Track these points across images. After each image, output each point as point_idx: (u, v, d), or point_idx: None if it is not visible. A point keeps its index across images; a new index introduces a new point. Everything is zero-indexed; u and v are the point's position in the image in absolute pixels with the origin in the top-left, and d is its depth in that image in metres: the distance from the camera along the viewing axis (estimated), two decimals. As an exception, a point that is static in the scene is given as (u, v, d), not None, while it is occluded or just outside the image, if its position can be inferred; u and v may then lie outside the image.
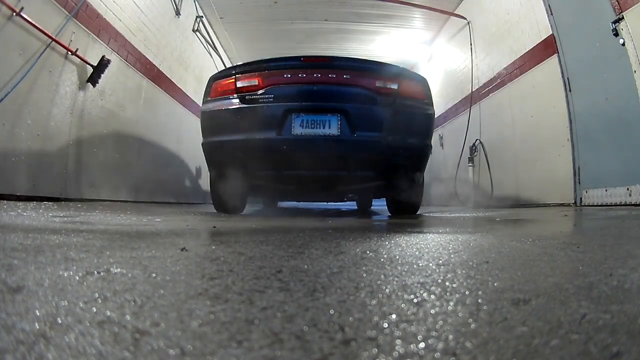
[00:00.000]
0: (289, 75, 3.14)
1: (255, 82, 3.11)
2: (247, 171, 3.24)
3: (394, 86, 3.14)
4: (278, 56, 3.39)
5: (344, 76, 3.14)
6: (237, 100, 3.09)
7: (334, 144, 3.00)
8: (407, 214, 3.63)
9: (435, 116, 3.68)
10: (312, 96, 3.06)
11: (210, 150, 3.29)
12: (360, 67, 3.27)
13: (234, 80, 3.16)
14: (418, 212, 3.74)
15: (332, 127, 2.98)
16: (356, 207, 6.65)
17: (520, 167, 4.86)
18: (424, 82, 3.35)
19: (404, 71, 3.36)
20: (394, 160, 3.22)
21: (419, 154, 3.37)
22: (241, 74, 3.16)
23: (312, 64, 3.17)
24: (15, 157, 2.95)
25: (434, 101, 3.45)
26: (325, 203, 7.87)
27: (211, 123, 3.22)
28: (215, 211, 3.47)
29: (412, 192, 3.59)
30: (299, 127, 2.97)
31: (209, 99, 3.25)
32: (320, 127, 2.98)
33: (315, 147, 3.02)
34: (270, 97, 3.05)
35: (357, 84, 3.13)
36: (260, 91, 3.08)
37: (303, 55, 3.22)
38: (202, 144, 3.30)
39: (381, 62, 3.54)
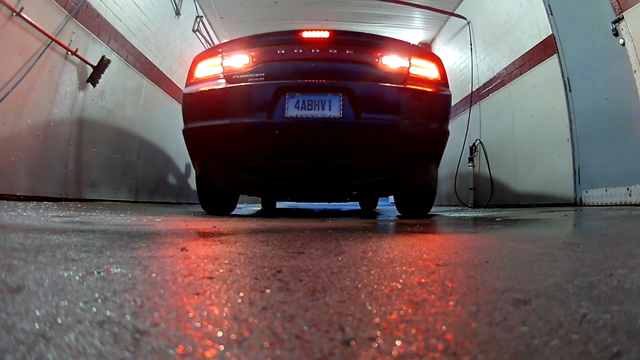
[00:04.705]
0: (283, 52, 2.78)
1: (244, 59, 2.76)
2: (235, 163, 2.84)
3: (405, 64, 2.78)
4: (271, 31, 3.02)
5: (347, 52, 2.78)
6: (224, 81, 2.75)
7: (334, 128, 2.61)
8: (418, 214, 3.31)
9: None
10: (309, 73, 2.71)
11: (192, 138, 2.91)
12: (365, 42, 2.90)
13: (220, 58, 2.81)
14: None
15: (332, 109, 2.59)
16: (359, 208, 6.47)
17: (520, 167, 4.86)
18: (438, 61, 2.96)
19: (415, 48, 2.97)
20: (406, 147, 2.79)
21: (436, 141, 2.92)
22: (229, 51, 2.81)
23: (310, 39, 2.80)
24: (15, 157, 2.95)
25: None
26: (327, 203, 7.80)
27: (193, 106, 2.87)
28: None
29: (427, 188, 3.19)
30: (293, 109, 2.59)
31: (193, 80, 2.90)
32: (318, 109, 2.59)
33: (312, 132, 2.63)
34: (261, 76, 2.70)
35: (362, 60, 2.78)
36: (250, 69, 2.73)
37: (299, 29, 2.83)
38: (182, 131, 2.95)
39: (389, 37, 3.16)
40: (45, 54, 3.16)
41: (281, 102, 2.58)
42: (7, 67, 2.84)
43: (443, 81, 2.90)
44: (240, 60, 2.76)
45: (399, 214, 3.73)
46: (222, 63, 2.78)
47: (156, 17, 5.10)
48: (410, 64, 2.79)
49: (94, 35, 3.81)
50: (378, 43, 2.88)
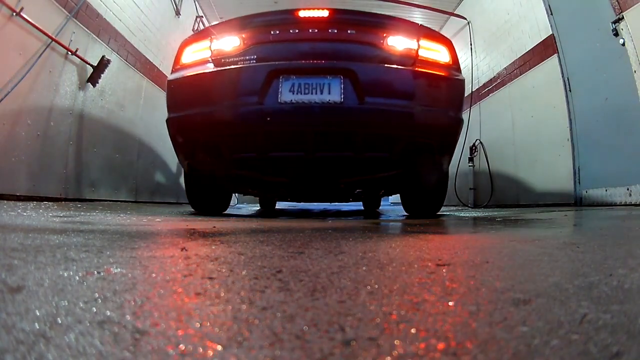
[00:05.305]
0: (277, 32, 2.55)
1: (234, 42, 2.54)
2: (223, 155, 2.58)
3: (413, 45, 2.55)
4: (263, 11, 2.78)
5: (349, 32, 2.54)
6: (212, 65, 2.53)
7: (334, 114, 2.36)
8: (426, 214, 3.12)
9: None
10: (306, 54, 2.49)
11: (176, 128, 2.69)
12: (368, 21, 2.64)
13: (209, 41, 2.60)
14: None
15: (332, 92, 2.33)
16: (362, 208, 6.37)
17: (520, 167, 4.87)
18: (449, 44, 2.73)
19: (424, 29, 2.72)
20: (417, 137, 2.53)
21: (449, 130, 2.67)
22: (218, 34, 2.59)
23: (308, 18, 2.55)
24: (15, 157, 2.95)
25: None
26: (328, 203, 7.74)
27: (177, 93, 2.66)
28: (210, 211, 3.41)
29: (438, 185, 2.96)
30: (288, 93, 2.34)
31: (178, 66, 2.70)
32: (316, 92, 2.34)
33: (309, 119, 2.38)
34: (253, 58, 2.48)
35: (366, 41, 2.54)
36: (241, 52, 2.51)
37: (296, 8, 2.58)
38: (166, 121, 2.73)
39: (395, 17, 2.91)
40: (45, 54, 3.16)
41: (274, 86, 2.35)
42: (7, 67, 2.85)
43: (455, 65, 2.69)
44: (230, 43, 2.54)
45: (405, 214, 3.60)
46: (210, 46, 2.58)
47: (156, 17, 5.10)
48: (419, 45, 2.56)
49: (94, 35, 3.81)
50: (383, 23, 2.64)
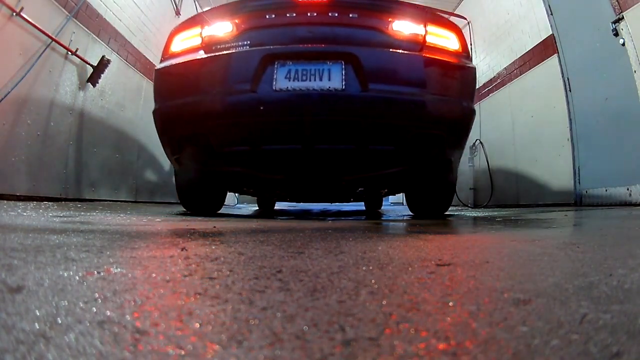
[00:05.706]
0: (273, 16, 2.40)
1: (227, 27, 2.40)
2: (212, 149, 2.39)
3: (420, 31, 2.41)
4: None
5: (350, 15, 2.38)
6: (202, 52, 2.39)
7: (335, 103, 2.19)
8: (434, 214, 2.98)
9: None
10: (304, 38, 2.34)
11: (162, 120, 2.53)
12: (372, 4, 2.48)
13: (199, 28, 2.45)
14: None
15: (333, 79, 2.17)
16: (364, 208, 6.31)
17: (520, 167, 4.87)
18: (458, 30, 2.58)
19: (431, 14, 2.56)
20: (426, 127, 2.35)
21: (461, 121, 2.49)
22: (210, 20, 2.45)
23: (306, 2, 2.41)
24: (15, 157, 2.95)
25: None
26: (328, 203, 7.71)
27: (164, 82, 2.52)
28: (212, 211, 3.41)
29: (448, 182, 2.81)
30: (284, 80, 2.18)
31: (167, 55, 2.54)
32: (315, 79, 2.18)
33: (307, 108, 2.20)
34: (246, 44, 2.34)
35: (369, 25, 2.39)
36: (233, 37, 2.37)
37: None
38: (152, 113, 2.57)
39: (400, 1, 2.71)
40: (45, 54, 3.17)
41: (269, 72, 2.19)
42: (7, 67, 2.85)
43: (465, 53, 2.54)
44: (222, 29, 2.39)
45: (408, 214, 3.52)
46: (201, 33, 2.44)
47: (156, 17, 5.10)
48: (426, 31, 2.41)
49: (94, 35, 3.81)
50: (388, 6, 2.48)
